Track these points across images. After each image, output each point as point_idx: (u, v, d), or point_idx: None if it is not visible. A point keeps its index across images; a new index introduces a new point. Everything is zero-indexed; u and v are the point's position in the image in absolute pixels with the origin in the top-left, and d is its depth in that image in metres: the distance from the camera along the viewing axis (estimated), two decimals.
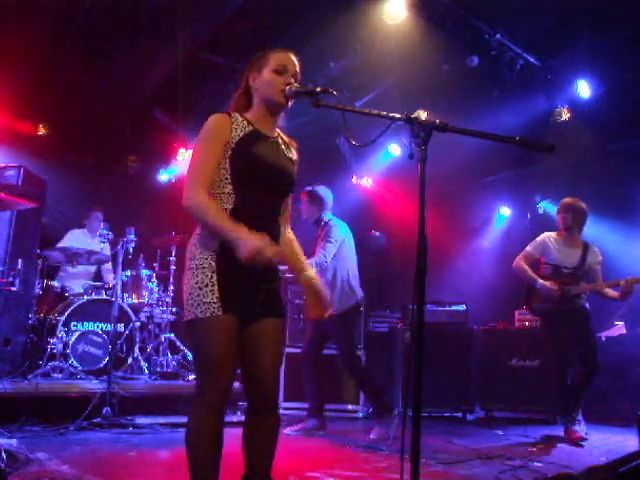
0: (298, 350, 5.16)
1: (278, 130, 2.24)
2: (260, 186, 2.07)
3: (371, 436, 4.39)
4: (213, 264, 1.99)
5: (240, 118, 2.14)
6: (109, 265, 6.23)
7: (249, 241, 1.88)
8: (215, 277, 1.98)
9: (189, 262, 2.05)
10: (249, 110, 2.19)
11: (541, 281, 4.70)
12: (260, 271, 2.03)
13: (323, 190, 4.78)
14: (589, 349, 4.63)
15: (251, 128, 2.12)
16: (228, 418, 4.86)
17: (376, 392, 4.59)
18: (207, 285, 1.97)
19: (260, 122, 2.15)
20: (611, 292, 4.67)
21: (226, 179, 2.05)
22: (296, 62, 2.18)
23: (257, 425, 2.11)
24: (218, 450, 1.98)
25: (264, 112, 2.15)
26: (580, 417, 4.57)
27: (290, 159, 2.23)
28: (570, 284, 4.69)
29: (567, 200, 4.86)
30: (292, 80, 2.12)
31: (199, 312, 1.97)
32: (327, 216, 4.75)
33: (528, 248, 4.96)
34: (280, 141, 2.23)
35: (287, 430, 4.48)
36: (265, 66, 2.15)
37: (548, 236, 4.92)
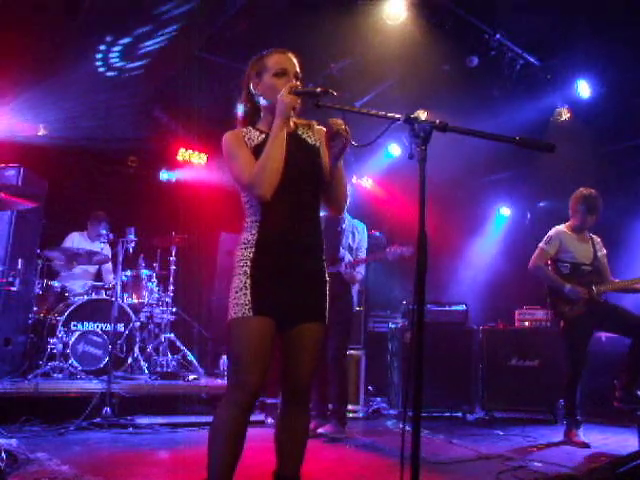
0: None
1: (293, 119, 2.19)
2: (284, 186, 2.07)
3: (320, 430, 4.34)
4: (247, 270, 2.09)
5: (253, 130, 2.20)
6: (109, 265, 6.23)
7: (281, 99, 2.04)
8: (249, 281, 2.08)
9: (233, 270, 2.16)
10: (257, 120, 2.24)
11: (569, 285, 4.50)
12: (298, 274, 2.11)
13: None
14: (629, 317, 4.45)
15: (263, 136, 2.16)
16: None
17: (344, 399, 4.53)
18: (241, 289, 2.08)
19: (269, 128, 2.14)
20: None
21: None
22: (295, 62, 2.18)
23: (286, 422, 2.19)
24: (236, 449, 2.03)
25: (272, 118, 2.13)
26: (579, 417, 4.55)
27: (313, 147, 2.22)
28: (595, 282, 4.54)
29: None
30: (294, 81, 2.13)
31: (233, 313, 2.08)
32: (348, 215, 4.73)
33: (543, 246, 4.69)
34: (299, 132, 2.23)
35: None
36: (265, 70, 2.16)
37: (561, 231, 4.69)
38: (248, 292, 2.06)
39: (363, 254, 4.71)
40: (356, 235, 4.71)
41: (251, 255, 2.10)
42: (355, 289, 4.72)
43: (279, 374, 2.19)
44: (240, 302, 2.06)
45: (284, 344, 2.17)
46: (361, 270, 4.69)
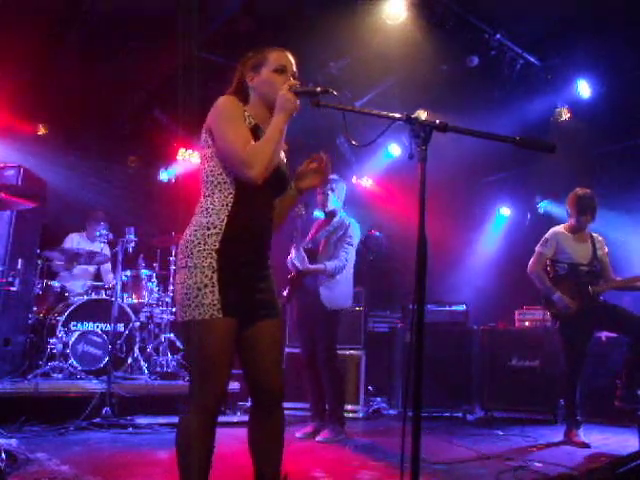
0: (297, 350, 5.12)
1: None
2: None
3: (318, 438, 4.31)
4: (214, 263, 1.92)
5: (247, 112, 2.11)
6: (108, 265, 6.23)
7: (283, 95, 1.98)
8: (216, 277, 1.91)
9: (185, 260, 1.95)
10: (246, 107, 2.15)
11: (558, 294, 4.50)
12: (258, 270, 2.03)
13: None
14: (629, 316, 4.43)
15: (254, 123, 2.08)
16: (228, 418, 4.87)
17: (340, 400, 4.51)
18: (207, 286, 1.90)
19: (259, 120, 2.10)
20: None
21: (228, 171, 2.01)
22: (293, 61, 2.17)
23: (262, 424, 2.08)
24: (207, 454, 1.94)
25: (263, 111, 2.11)
26: (579, 417, 4.54)
27: (285, 160, 2.22)
28: (592, 283, 4.52)
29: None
30: (292, 80, 2.12)
31: (197, 314, 1.90)
32: (342, 212, 4.65)
33: (540, 249, 4.68)
34: None
35: (298, 434, 4.40)
36: (264, 65, 2.12)
37: (558, 232, 4.68)
38: (216, 290, 1.89)
39: (345, 248, 4.46)
40: (338, 231, 4.53)
41: (217, 245, 1.92)
42: (331, 286, 4.43)
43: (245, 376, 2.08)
44: (206, 302, 1.88)
45: (245, 345, 2.02)
46: (331, 263, 4.40)
